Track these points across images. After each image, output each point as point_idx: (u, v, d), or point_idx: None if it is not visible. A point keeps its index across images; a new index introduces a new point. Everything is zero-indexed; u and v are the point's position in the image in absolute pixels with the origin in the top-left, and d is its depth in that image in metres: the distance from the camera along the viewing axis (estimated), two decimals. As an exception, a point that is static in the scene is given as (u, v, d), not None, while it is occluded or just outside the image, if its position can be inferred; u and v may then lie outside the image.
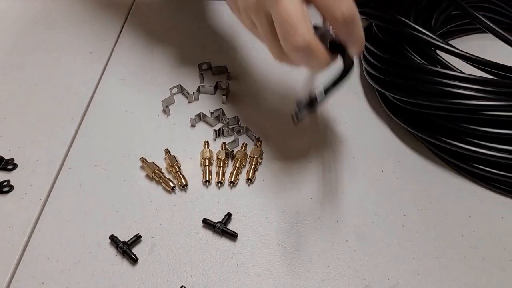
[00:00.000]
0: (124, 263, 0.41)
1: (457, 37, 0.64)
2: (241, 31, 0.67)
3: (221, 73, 0.60)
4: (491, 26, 0.48)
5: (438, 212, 0.44)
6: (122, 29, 0.67)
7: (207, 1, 0.73)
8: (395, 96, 0.50)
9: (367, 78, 0.55)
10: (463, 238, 0.42)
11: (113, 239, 0.42)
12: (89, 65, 0.61)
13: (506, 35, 0.47)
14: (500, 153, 0.43)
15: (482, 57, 0.47)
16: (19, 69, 0.61)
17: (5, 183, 0.47)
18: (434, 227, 0.43)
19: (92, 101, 0.56)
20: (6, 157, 0.49)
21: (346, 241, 0.42)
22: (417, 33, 0.50)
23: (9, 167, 0.48)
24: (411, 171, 0.48)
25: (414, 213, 0.44)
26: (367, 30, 0.59)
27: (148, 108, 0.55)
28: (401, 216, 0.44)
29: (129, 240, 0.42)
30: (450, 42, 0.63)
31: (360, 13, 0.58)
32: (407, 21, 0.51)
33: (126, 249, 0.41)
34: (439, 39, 0.49)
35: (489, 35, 0.47)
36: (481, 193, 0.46)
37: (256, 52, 0.63)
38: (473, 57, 0.47)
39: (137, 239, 0.42)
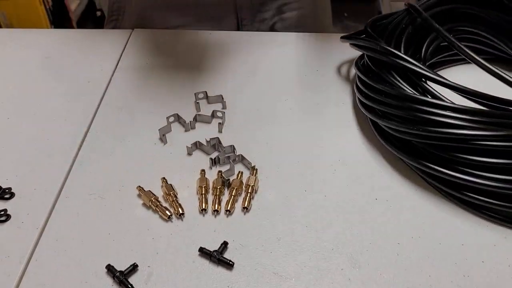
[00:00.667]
0: (121, 293, 0.41)
1: (448, 67, 0.66)
2: (237, 61, 0.68)
3: (217, 102, 0.61)
4: (474, 57, 0.50)
5: (432, 240, 0.45)
6: (120, 58, 0.69)
7: (204, 31, 0.75)
8: (387, 125, 0.51)
9: (360, 107, 0.56)
10: (456, 266, 0.43)
11: (110, 269, 0.42)
12: (87, 93, 0.62)
13: (489, 65, 0.48)
14: (491, 181, 0.44)
15: (472, 87, 0.48)
16: (17, 98, 0.62)
17: (2, 212, 0.47)
18: (428, 255, 0.44)
19: (90, 130, 0.57)
20: (3, 186, 0.50)
21: (342, 269, 0.43)
22: (407, 64, 0.52)
23: (6, 196, 0.49)
24: (404, 199, 0.49)
25: (408, 241, 0.45)
26: (359, 60, 0.61)
27: (145, 136, 0.56)
28: (395, 244, 0.45)
29: (125, 270, 0.42)
30: (440, 72, 0.65)
31: (352, 44, 0.60)
32: (397, 52, 0.53)
33: (122, 278, 0.41)
34: (428, 70, 0.51)
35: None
36: (473, 220, 0.46)
37: (252, 81, 0.65)
38: (462, 87, 0.48)
39: (133, 268, 0.42)
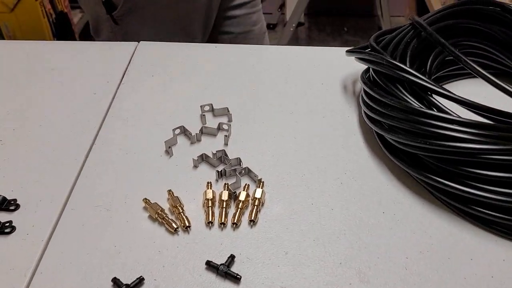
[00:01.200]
0: (127, 307, 0.40)
1: (453, 81, 0.66)
2: (242, 74, 0.69)
3: (223, 114, 0.61)
4: (479, 71, 0.50)
5: (440, 255, 0.45)
6: (126, 71, 0.69)
7: (210, 44, 0.75)
8: (393, 138, 0.51)
9: (366, 120, 0.56)
10: (465, 281, 0.42)
11: (116, 282, 0.42)
12: (93, 105, 0.62)
13: (494, 79, 0.49)
14: (500, 196, 0.44)
15: (476, 100, 0.48)
16: (23, 109, 0.62)
17: (7, 224, 0.47)
18: (437, 269, 0.43)
19: (96, 141, 0.57)
20: (8, 197, 0.49)
21: (350, 284, 0.42)
22: (412, 78, 0.52)
23: (12, 207, 0.48)
24: (412, 213, 0.49)
25: (416, 255, 0.45)
26: (364, 74, 0.61)
27: (151, 148, 0.56)
28: (403, 259, 0.44)
29: (132, 283, 0.41)
30: (446, 85, 0.65)
31: (358, 58, 0.60)
32: (402, 66, 0.53)
33: (129, 292, 0.41)
34: (434, 84, 0.51)
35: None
36: (481, 235, 0.46)
37: (258, 94, 0.65)
38: (469, 101, 0.48)
39: (139, 281, 0.42)
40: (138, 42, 0.75)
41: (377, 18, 2.35)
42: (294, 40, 2.37)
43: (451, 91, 0.50)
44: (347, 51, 0.63)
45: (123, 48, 0.74)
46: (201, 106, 0.61)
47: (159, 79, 0.68)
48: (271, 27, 2.48)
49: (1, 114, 0.61)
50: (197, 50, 0.74)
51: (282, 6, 2.37)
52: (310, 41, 2.41)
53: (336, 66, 0.70)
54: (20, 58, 0.72)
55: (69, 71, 0.69)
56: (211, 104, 0.61)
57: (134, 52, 0.73)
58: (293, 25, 2.06)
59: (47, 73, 0.68)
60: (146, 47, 0.74)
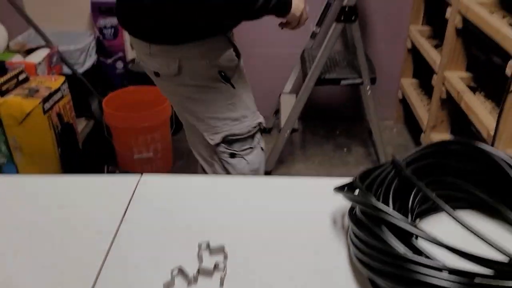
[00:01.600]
0: None
1: (439, 212, 0.70)
2: (238, 207, 0.72)
3: (219, 253, 0.63)
4: (451, 212, 0.54)
5: None
6: (128, 206, 0.73)
7: (207, 175, 0.80)
8: (381, 282, 0.53)
9: (355, 261, 0.59)
10: None
11: None
12: (95, 245, 0.65)
13: (456, 217, 0.53)
14: None
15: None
16: (28, 247, 0.65)
17: None
18: None
19: (96, 285, 0.59)
20: None
21: None
22: (396, 222, 0.55)
23: None
24: None
25: None
26: (351, 210, 0.65)
27: (149, 291, 0.58)
28: None
29: None
30: (431, 217, 0.69)
31: (345, 197, 0.64)
32: (386, 210, 0.56)
33: None
34: (419, 229, 0.53)
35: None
36: None
37: (253, 229, 0.68)
38: (453, 248, 0.50)
39: None
40: (141, 174, 0.80)
41: (367, 122, 2.47)
42: (289, 144, 2.47)
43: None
44: (334, 189, 0.67)
45: (126, 181, 0.79)
46: (198, 244, 0.64)
47: (159, 214, 0.71)
48: (266, 130, 2.60)
49: (7, 252, 0.64)
50: (195, 182, 0.79)
51: (277, 111, 2.50)
52: (304, 144, 2.50)
53: (327, 197, 0.73)
54: (31, 194, 0.77)
55: (75, 208, 0.72)
56: (208, 242, 0.64)
57: (137, 185, 0.77)
58: (288, 131, 2.17)
59: (55, 210, 0.72)
60: (148, 179, 0.79)
